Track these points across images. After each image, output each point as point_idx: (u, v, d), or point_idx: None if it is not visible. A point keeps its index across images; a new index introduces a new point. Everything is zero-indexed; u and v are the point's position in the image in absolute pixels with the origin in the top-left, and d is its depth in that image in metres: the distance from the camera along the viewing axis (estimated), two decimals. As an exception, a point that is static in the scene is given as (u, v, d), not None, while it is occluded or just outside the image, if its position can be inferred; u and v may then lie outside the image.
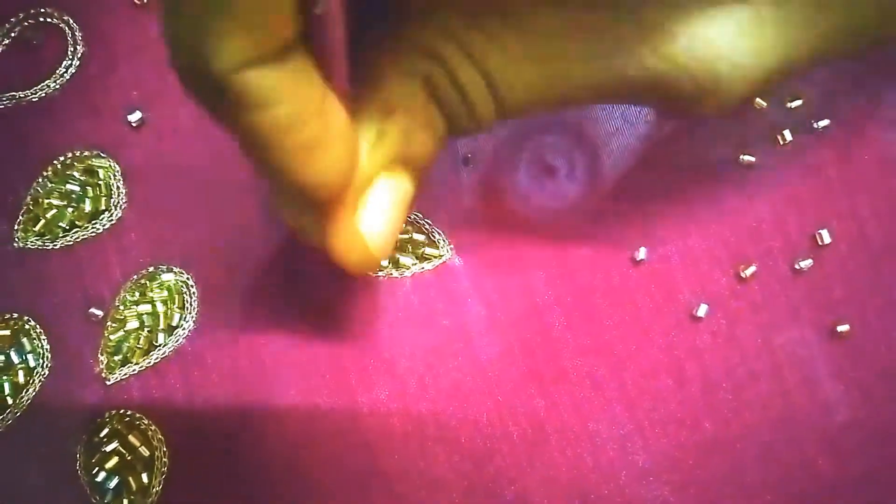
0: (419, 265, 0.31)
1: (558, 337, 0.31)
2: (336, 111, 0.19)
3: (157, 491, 0.30)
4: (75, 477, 0.30)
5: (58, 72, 0.32)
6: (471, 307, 0.31)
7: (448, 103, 0.22)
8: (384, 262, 0.31)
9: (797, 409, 0.31)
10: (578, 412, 0.31)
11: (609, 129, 0.32)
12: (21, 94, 0.32)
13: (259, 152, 0.19)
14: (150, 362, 0.31)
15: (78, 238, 0.32)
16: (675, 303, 0.31)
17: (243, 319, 0.31)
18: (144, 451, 0.30)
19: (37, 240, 0.32)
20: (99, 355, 0.31)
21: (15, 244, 0.32)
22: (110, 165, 0.32)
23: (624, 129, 0.32)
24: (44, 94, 0.32)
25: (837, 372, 0.31)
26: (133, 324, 0.31)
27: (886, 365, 0.31)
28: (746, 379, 0.31)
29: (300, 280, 0.31)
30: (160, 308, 0.31)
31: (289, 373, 0.31)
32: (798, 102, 0.31)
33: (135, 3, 0.33)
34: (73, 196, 0.32)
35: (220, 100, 0.17)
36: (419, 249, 0.31)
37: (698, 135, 0.32)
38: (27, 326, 0.31)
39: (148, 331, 0.31)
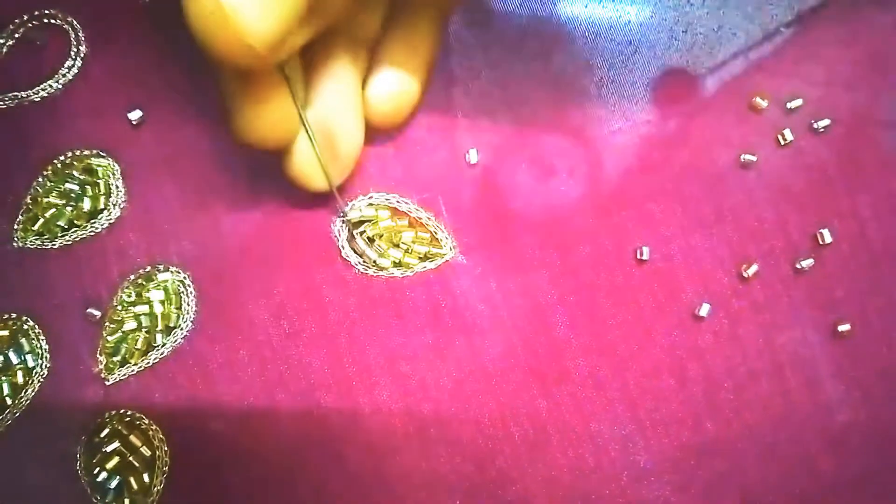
0: (422, 264, 0.31)
1: (561, 336, 0.31)
2: None
3: (158, 490, 0.30)
4: (76, 477, 0.30)
5: (60, 72, 0.32)
6: (473, 307, 0.31)
7: None
8: (385, 262, 0.31)
9: (798, 408, 0.31)
10: (580, 412, 0.31)
11: (611, 128, 0.32)
12: (23, 93, 0.32)
13: None
14: (148, 363, 0.31)
15: (77, 238, 0.32)
16: (678, 302, 0.31)
17: (242, 319, 0.31)
18: (146, 451, 0.30)
19: (36, 239, 0.32)
20: (98, 356, 0.31)
21: (14, 244, 0.31)
22: (109, 164, 0.32)
23: (625, 128, 0.32)
24: (46, 94, 0.32)
25: (838, 371, 0.31)
26: (131, 324, 0.31)
27: (887, 364, 0.31)
28: (748, 379, 0.31)
29: (299, 280, 0.31)
30: (158, 309, 0.31)
31: (289, 373, 0.31)
32: (799, 102, 0.32)
33: (137, 5, 0.33)
34: (73, 195, 0.32)
35: None
36: (423, 249, 0.31)
37: (700, 134, 0.32)
38: (26, 326, 0.31)
39: (146, 332, 0.31)
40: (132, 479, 0.30)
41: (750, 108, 0.32)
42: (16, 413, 0.31)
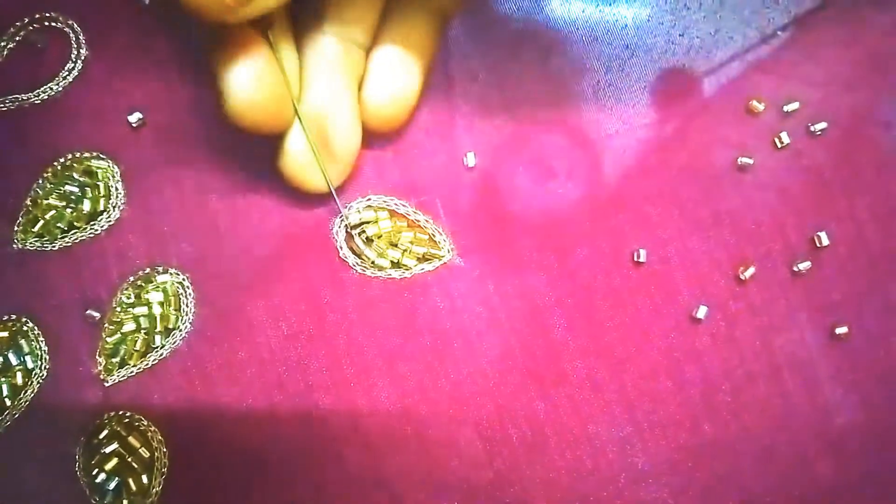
0: (420, 266, 0.31)
1: (559, 338, 0.31)
2: None
3: (156, 492, 0.30)
4: (74, 478, 0.30)
5: (60, 74, 0.33)
6: (471, 309, 0.31)
7: None
8: (384, 263, 0.31)
9: (796, 411, 0.31)
10: (578, 414, 0.31)
11: (608, 131, 0.32)
12: (24, 95, 0.32)
13: None
14: (147, 364, 0.31)
15: (76, 239, 0.32)
16: (675, 304, 0.31)
17: (241, 321, 0.31)
18: (144, 453, 0.30)
19: (36, 241, 0.32)
20: (97, 357, 0.31)
21: (14, 245, 0.32)
22: (109, 166, 0.32)
23: (623, 131, 0.32)
24: (46, 97, 0.32)
25: (836, 374, 0.31)
26: (129, 326, 0.31)
27: (885, 367, 0.31)
28: (745, 381, 0.31)
29: (298, 282, 0.31)
30: (157, 310, 0.31)
31: (288, 374, 0.31)
32: (795, 105, 0.32)
33: (137, 7, 0.33)
34: (72, 197, 0.32)
35: None
36: (421, 250, 0.31)
37: (697, 137, 0.32)
38: (25, 328, 0.31)
39: (145, 333, 0.31)
40: (131, 481, 0.30)
41: (747, 111, 0.32)
42: (15, 414, 0.31)
